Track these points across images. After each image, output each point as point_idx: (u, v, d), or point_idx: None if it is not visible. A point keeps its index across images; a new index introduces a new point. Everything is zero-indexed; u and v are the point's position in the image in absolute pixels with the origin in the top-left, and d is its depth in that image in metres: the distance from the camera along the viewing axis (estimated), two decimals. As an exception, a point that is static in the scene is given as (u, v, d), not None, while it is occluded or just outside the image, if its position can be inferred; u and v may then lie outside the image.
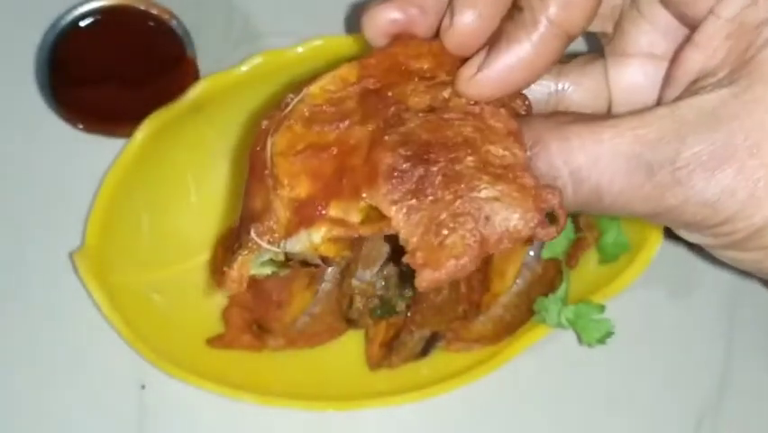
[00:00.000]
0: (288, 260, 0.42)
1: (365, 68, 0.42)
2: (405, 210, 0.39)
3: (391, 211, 0.39)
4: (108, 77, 0.68)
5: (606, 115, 0.44)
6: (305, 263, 0.42)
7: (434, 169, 0.39)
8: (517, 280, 0.63)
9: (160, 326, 0.65)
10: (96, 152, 0.68)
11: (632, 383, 0.68)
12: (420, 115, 0.41)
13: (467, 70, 0.41)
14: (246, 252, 0.42)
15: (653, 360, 0.68)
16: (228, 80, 0.66)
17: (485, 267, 0.63)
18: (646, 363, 0.68)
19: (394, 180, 0.39)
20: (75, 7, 0.69)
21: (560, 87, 0.48)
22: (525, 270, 0.62)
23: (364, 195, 0.40)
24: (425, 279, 0.39)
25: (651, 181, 0.40)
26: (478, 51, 0.42)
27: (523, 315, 0.64)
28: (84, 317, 0.65)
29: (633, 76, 0.47)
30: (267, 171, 0.41)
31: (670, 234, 0.56)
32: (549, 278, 0.63)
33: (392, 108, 0.41)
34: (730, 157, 0.40)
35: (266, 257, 0.43)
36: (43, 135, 0.70)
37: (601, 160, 0.40)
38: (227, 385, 0.63)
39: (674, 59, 0.44)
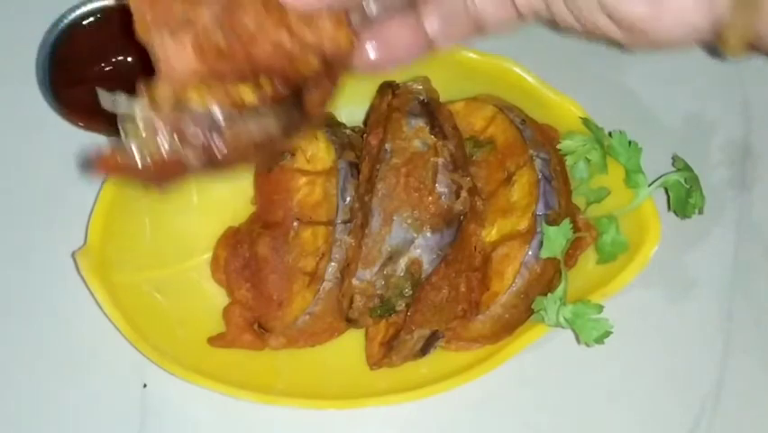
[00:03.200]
0: None
1: None
2: None
3: None
4: (109, 76, 0.68)
5: None
6: None
7: None
8: (516, 280, 0.63)
9: (162, 325, 0.65)
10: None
11: (630, 383, 0.68)
12: None
13: None
14: None
15: (650, 359, 0.68)
16: (229, 81, 0.66)
17: (484, 267, 0.63)
18: (644, 362, 0.68)
19: None
20: (76, 7, 0.69)
21: None
22: (524, 269, 0.62)
23: None
24: None
25: None
26: None
27: (522, 314, 0.64)
28: (86, 316, 0.66)
29: None
30: None
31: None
32: (548, 277, 0.63)
33: None
34: None
35: None
36: (45, 135, 0.70)
37: None
38: (228, 384, 0.64)
39: None
